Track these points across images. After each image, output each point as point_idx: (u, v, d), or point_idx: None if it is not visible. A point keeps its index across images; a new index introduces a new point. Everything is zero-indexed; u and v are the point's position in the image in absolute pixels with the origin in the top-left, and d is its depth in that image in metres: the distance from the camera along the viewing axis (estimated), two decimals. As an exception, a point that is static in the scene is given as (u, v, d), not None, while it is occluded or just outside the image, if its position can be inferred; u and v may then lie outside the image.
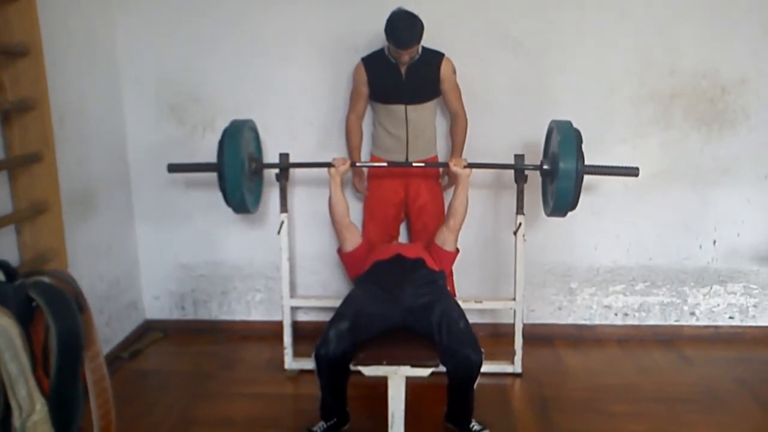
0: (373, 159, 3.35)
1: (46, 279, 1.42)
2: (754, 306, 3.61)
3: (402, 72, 3.13)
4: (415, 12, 2.96)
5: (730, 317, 3.63)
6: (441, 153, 3.39)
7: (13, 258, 2.60)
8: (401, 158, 3.24)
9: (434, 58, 3.15)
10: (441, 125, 3.40)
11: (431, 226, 3.27)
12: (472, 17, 3.34)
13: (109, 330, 3.35)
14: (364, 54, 3.24)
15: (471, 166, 2.97)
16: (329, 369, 2.51)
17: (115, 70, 3.44)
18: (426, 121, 3.25)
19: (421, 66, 3.12)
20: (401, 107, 3.16)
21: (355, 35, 3.36)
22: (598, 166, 2.92)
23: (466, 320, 2.60)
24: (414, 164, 3.17)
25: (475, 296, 3.42)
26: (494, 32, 3.36)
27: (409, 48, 2.97)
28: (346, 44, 3.37)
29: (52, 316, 1.35)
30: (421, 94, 3.18)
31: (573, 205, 2.88)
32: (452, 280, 3.37)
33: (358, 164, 3.21)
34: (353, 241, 2.99)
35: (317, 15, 3.37)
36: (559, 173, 2.79)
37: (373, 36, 3.29)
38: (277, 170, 3.14)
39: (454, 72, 3.20)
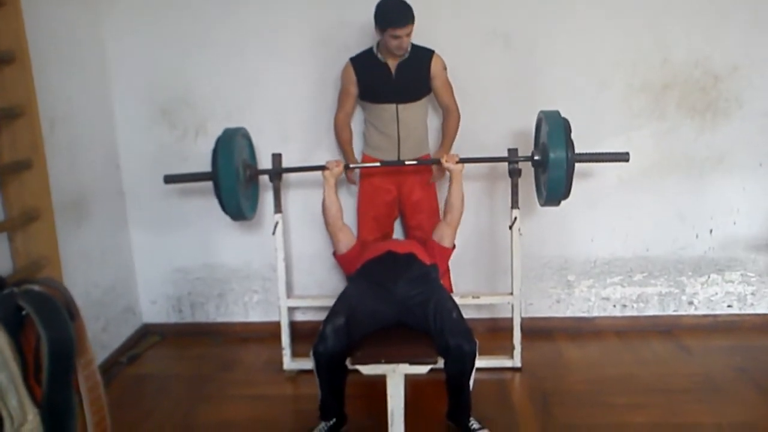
0: (365, 158, 3.33)
1: (35, 287, 1.40)
2: (752, 294, 3.60)
3: (392, 70, 3.11)
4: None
5: (729, 306, 3.62)
6: (434, 152, 3.37)
7: (5, 266, 2.59)
8: (393, 157, 3.22)
9: (424, 55, 3.14)
10: (433, 123, 3.39)
11: (426, 223, 3.27)
12: (460, 12, 3.32)
13: (106, 335, 3.34)
14: (355, 53, 3.22)
15: (463, 161, 2.96)
16: (328, 366, 2.50)
17: (104, 74, 3.42)
18: (417, 120, 3.23)
19: (410, 64, 3.10)
20: (392, 106, 3.15)
21: (346, 34, 3.34)
22: (589, 154, 2.93)
23: (459, 311, 2.61)
24: (407, 162, 3.16)
25: (472, 291, 3.41)
26: (483, 27, 3.34)
27: (406, 26, 2.93)
28: (337, 43, 3.35)
29: (42, 325, 1.33)
30: (411, 93, 3.16)
31: (566, 194, 2.88)
32: (449, 276, 3.36)
33: (351, 165, 3.18)
34: (347, 242, 2.98)
35: (308, 14, 3.36)
36: (549, 163, 2.80)
37: (364, 35, 3.27)
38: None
39: (445, 68, 3.18)
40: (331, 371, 2.52)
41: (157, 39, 3.41)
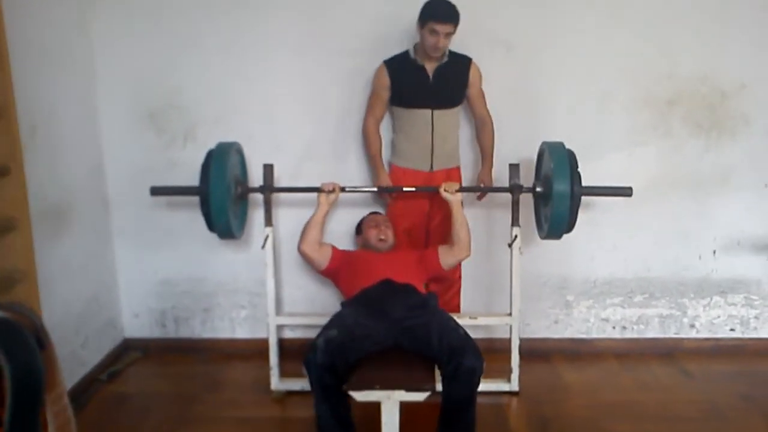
0: (393, 169, 3.20)
1: None
2: (756, 317, 3.51)
3: (429, 74, 3.01)
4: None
5: (731, 329, 3.52)
6: (464, 163, 3.28)
7: (-22, 279, 2.44)
8: (425, 167, 3.12)
9: (462, 61, 3.07)
10: (463, 134, 3.29)
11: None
12: (462, 20, 3.21)
13: (85, 352, 3.18)
14: (355, 59, 3.16)
15: (462, 190, 2.91)
16: (321, 377, 2.35)
17: (90, 78, 3.27)
18: (451, 128, 3.13)
19: (449, 69, 3.02)
20: (427, 112, 3.04)
21: (342, 40, 3.24)
22: (592, 188, 2.83)
23: (464, 330, 2.50)
24: (405, 189, 3.08)
25: (469, 312, 3.30)
26: (485, 36, 3.24)
27: (447, 23, 2.83)
28: (331, 49, 3.24)
29: (5, 355, 1.19)
30: (448, 99, 3.07)
31: (569, 228, 2.81)
32: (459, 296, 3.34)
33: (347, 189, 3.00)
34: (324, 257, 2.94)
35: (301, 19, 3.24)
36: (553, 196, 2.69)
37: (359, 39, 3.18)
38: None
39: (481, 77, 3.11)
40: (325, 382, 2.35)
41: (145, 41, 3.27)
